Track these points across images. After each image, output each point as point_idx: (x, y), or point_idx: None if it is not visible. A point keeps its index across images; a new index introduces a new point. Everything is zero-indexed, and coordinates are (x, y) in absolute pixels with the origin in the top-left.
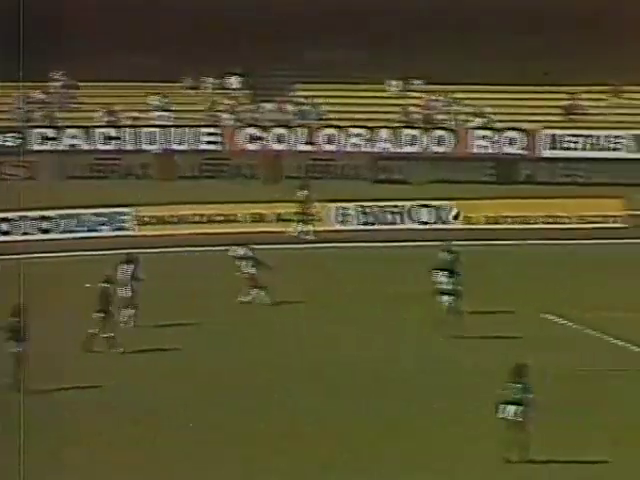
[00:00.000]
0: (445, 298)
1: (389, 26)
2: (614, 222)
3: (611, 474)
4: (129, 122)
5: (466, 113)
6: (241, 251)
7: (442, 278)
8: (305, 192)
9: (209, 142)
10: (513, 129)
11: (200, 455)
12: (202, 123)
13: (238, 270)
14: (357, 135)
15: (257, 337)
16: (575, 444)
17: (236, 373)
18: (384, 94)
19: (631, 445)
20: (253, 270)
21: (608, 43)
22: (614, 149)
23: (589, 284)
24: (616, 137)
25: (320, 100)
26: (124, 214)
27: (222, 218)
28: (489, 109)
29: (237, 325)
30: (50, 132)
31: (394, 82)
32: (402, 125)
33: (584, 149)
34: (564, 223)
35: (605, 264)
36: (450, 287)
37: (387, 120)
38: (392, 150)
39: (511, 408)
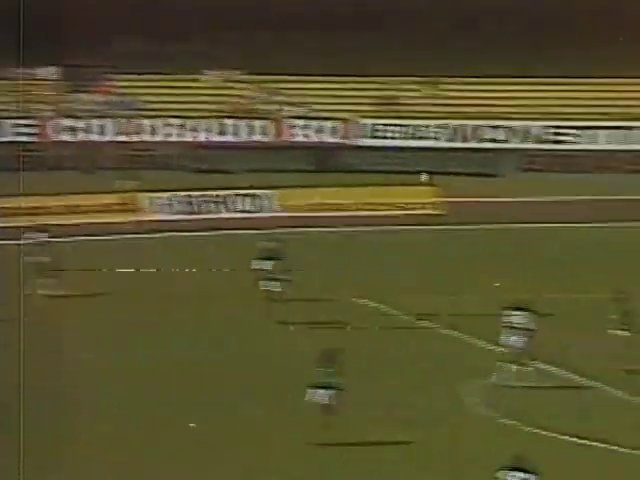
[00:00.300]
0: (268, 284)
1: (210, 18)
2: (427, 209)
3: (416, 454)
4: None
5: (285, 103)
6: (39, 238)
7: (264, 266)
8: (124, 182)
9: (24, 134)
10: (331, 118)
11: None
12: (16, 114)
13: (29, 256)
14: (176, 125)
15: (49, 331)
16: (382, 426)
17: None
18: (204, 84)
19: (433, 426)
20: (48, 258)
21: (428, 37)
22: (429, 138)
23: (404, 269)
24: (431, 127)
25: (139, 91)
26: None
27: (38, 210)
28: (307, 99)
29: (26, 319)
30: None
31: (214, 73)
32: (222, 115)
33: (399, 138)
34: (378, 210)
35: (421, 250)
36: (273, 274)
37: (207, 110)
38: (212, 140)
39: (321, 392)
